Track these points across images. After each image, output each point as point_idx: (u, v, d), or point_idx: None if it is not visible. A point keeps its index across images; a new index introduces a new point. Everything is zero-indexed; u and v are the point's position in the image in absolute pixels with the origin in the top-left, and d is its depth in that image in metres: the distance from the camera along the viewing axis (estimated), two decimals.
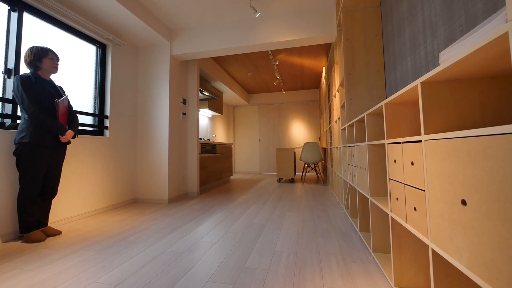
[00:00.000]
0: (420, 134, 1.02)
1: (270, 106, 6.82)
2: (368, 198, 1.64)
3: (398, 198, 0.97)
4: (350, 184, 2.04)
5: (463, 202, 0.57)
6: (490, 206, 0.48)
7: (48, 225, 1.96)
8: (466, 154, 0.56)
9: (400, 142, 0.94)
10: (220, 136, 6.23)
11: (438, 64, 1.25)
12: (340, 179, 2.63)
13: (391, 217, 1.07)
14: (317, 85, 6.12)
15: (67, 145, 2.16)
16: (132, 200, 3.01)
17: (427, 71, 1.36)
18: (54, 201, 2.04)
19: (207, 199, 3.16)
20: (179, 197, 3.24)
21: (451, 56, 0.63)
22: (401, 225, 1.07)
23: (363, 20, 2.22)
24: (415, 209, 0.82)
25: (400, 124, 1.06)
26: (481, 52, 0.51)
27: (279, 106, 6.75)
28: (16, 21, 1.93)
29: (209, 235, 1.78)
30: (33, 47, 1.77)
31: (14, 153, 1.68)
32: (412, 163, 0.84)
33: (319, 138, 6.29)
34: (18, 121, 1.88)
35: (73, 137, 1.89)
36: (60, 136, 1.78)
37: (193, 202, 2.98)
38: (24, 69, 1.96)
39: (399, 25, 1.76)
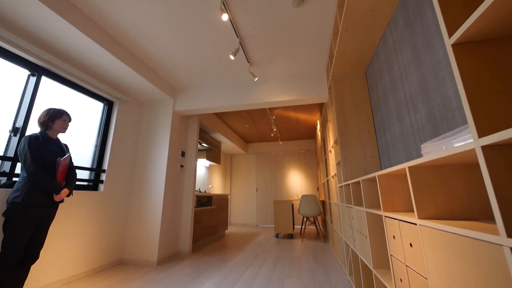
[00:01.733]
0: (413, 211, 1.03)
1: (267, 155, 6.93)
2: (371, 270, 1.54)
3: (402, 280, 0.92)
4: (352, 248, 1.94)
5: None
6: None
7: None
8: (459, 250, 0.56)
9: (397, 219, 0.94)
10: (216, 186, 6.14)
11: (424, 135, 1.34)
12: (341, 239, 2.51)
13: None
14: (313, 135, 6.35)
15: (60, 203, 2.10)
16: (118, 261, 2.78)
17: (415, 140, 1.45)
18: (32, 267, 1.88)
19: (200, 259, 2.93)
20: (169, 258, 3.00)
21: (431, 150, 0.69)
22: None
23: (352, 86, 2.44)
24: None
25: (395, 196, 1.07)
26: (456, 155, 0.56)
27: (276, 155, 6.87)
28: (34, 85, 2.09)
29: None
30: (50, 109, 1.86)
31: (4, 214, 1.62)
32: (411, 245, 0.82)
33: (317, 188, 6.22)
34: (15, 179, 1.87)
35: (68, 195, 1.86)
36: (54, 195, 1.75)
37: (184, 264, 2.76)
38: (32, 128, 2.04)
39: (384, 94, 1.93)
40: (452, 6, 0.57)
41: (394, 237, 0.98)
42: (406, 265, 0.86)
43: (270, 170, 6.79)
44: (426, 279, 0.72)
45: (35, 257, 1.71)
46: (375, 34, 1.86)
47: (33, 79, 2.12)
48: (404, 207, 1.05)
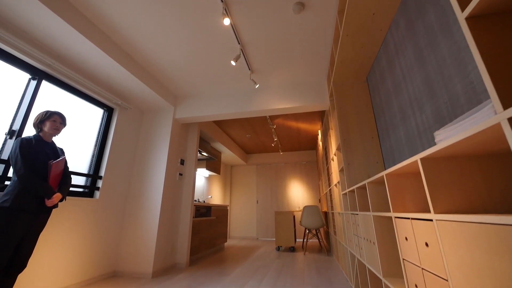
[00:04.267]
0: (427, 209, 0.96)
1: (267, 166, 6.85)
2: (381, 279, 1.44)
3: (418, 285, 0.84)
4: (357, 258, 1.83)
5: None
6: None
7: None
8: (487, 242, 0.49)
9: (409, 218, 0.88)
10: (216, 197, 6.01)
11: (431, 135, 1.29)
12: (346, 250, 2.39)
13: None
14: (314, 146, 6.31)
15: (54, 209, 2.02)
16: (111, 273, 2.64)
17: (421, 141, 1.40)
18: (18, 276, 1.77)
19: (197, 273, 2.78)
20: (165, 270, 2.86)
21: (445, 137, 0.64)
22: None
23: (353, 92, 2.44)
24: None
25: (405, 196, 1.01)
26: (475, 137, 0.51)
27: (276, 166, 6.78)
28: (33, 88, 2.08)
29: None
30: (43, 111, 1.85)
31: None
32: (427, 244, 0.75)
33: (319, 200, 6.08)
34: (7, 182, 1.81)
35: (61, 200, 1.79)
36: (46, 200, 1.68)
37: (181, 277, 2.62)
38: (28, 131, 2.01)
39: (387, 98, 1.91)
40: None
41: (406, 238, 0.91)
42: (422, 268, 0.79)
43: (271, 181, 6.68)
44: (447, 280, 0.65)
45: (22, 266, 1.61)
46: (376, 39, 1.86)
47: (33, 83, 2.11)
48: (415, 208, 0.98)
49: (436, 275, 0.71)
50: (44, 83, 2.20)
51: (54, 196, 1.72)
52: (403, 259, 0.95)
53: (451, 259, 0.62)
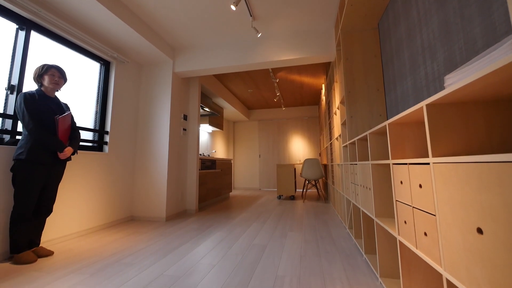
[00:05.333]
0: (425, 156, 1.01)
1: (269, 122, 6.87)
2: (373, 219, 1.60)
3: (406, 221, 0.94)
4: (353, 203, 2.00)
5: (479, 231, 0.54)
6: (509, 237, 0.46)
7: (40, 245, 1.89)
8: (478, 179, 0.54)
9: (406, 164, 0.93)
10: (219, 152, 6.21)
11: (440, 85, 1.26)
12: (343, 197, 2.58)
13: (400, 241, 1.03)
14: (317, 101, 6.20)
15: (67, 162, 2.13)
16: (129, 217, 2.93)
17: (428, 91, 1.38)
18: (48, 219, 1.98)
19: (206, 217, 3.07)
20: (177, 215, 3.15)
21: (457, 80, 0.63)
22: (410, 250, 1.03)
23: (362, 41, 2.28)
24: (425, 234, 0.79)
25: (405, 144, 1.05)
26: (490, 77, 0.51)
27: (278, 122, 6.80)
28: (23, 39, 1.97)
29: (207, 257, 1.70)
30: (40, 65, 1.80)
31: (11, 169, 1.65)
32: (420, 186, 0.81)
33: (319, 154, 6.28)
34: (18, 137, 1.86)
35: (73, 153, 1.87)
36: (59, 153, 1.76)
37: (192, 220, 2.90)
38: (28, 85, 1.97)
39: (397, 46, 1.80)
40: None
41: (401, 182, 0.97)
42: (413, 207, 0.87)
43: (273, 136, 6.79)
44: (434, 215, 0.73)
45: (48, 211, 1.79)
46: None
47: (22, 34, 1.98)
48: (414, 155, 1.03)
49: (425, 211, 0.79)
50: (35, 35, 2.07)
51: (66, 149, 1.79)
52: (396, 200, 1.04)
53: (441, 197, 0.68)
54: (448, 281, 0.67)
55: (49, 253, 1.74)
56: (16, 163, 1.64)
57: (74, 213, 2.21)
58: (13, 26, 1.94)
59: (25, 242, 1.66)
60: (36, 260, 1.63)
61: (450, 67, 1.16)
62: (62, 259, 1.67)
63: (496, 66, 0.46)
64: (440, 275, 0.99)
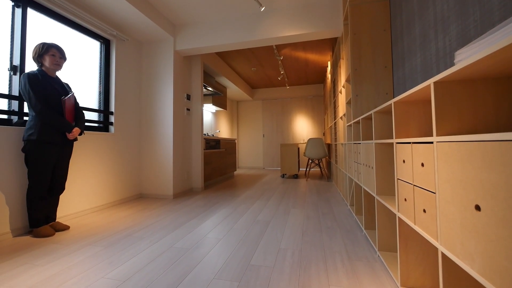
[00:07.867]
0: (429, 135, 1.00)
1: (273, 101, 6.78)
2: (374, 197, 1.63)
3: (407, 199, 0.96)
4: (355, 182, 2.03)
5: (477, 208, 0.55)
6: (506, 214, 0.47)
7: (57, 220, 2.00)
8: (481, 158, 0.54)
9: (410, 143, 0.93)
10: (224, 132, 6.23)
11: (450, 61, 1.21)
12: (345, 175, 2.62)
13: (399, 217, 1.06)
14: (322, 80, 6.04)
15: (74, 142, 2.18)
16: (138, 195, 3.04)
17: (438, 68, 1.33)
18: (62, 196, 2.07)
19: (212, 194, 3.18)
20: (183, 193, 3.26)
21: (467, 56, 0.61)
22: (408, 225, 1.06)
23: (371, 14, 2.16)
24: (424, 211, 0.81)
25: (409, 124, 1.04)
26: (503, 52, 0.49)
27: (282, 101, 6.70)
28: (21, 18, 1.92)
29: (214, 231, 1.79)
30: (38, 44, 1.77)
31: (23, 150, 1.70)
32: (422, 164, 0.82)
33: (323, 133, 6.25)
34: (25, 118, 1.89)
35: (80, 134, 1.90)
36: (67, 134, 1.80)
37: (198, 197, 3.00)
38: (30, 66, 1.96)
39: (408, 19, 1.71)
40: None
41: (404, 161, 0.98)
42: (414, 185, 0.89)
43: (277, 116, 6.74)
44: (434, 193, 0.74)
45: (61, 188, 1.87)
46: None
47: (18, 11, 1.93)
48: (418, 134, 1.02)
49: (425, 189, 0.80)
50: (32, 13, 2.02)
51: (74, 130, 1.83)
52: (398, 178, 1.05)
53: (442, 175, 0.69)
54: (443, 254, 0.70)
55: (65, 228, 1.85)
56: (27, 143, 1.69)
57: (86, 191, 2.30)
58: (9, 3, 1.88)
59: (43, 218, 1.76)
60: (54, 234, 1.74)
61: (462, 42, 1.11)
62: (78, 233, 1.78)
63: (509, 42, 0.44)
64: (436, 249, 1.04)
